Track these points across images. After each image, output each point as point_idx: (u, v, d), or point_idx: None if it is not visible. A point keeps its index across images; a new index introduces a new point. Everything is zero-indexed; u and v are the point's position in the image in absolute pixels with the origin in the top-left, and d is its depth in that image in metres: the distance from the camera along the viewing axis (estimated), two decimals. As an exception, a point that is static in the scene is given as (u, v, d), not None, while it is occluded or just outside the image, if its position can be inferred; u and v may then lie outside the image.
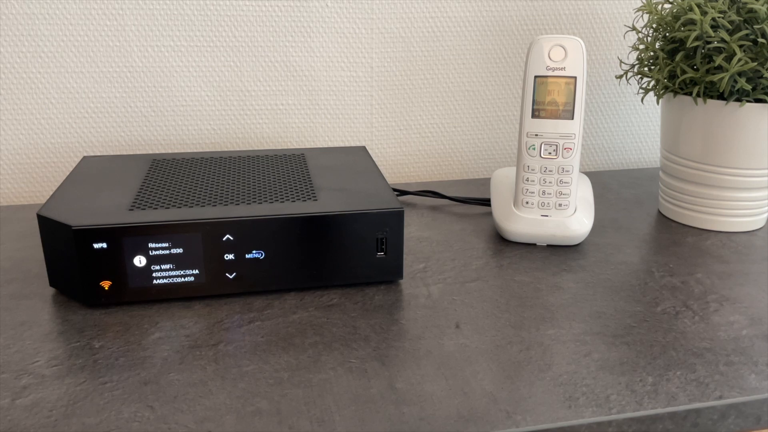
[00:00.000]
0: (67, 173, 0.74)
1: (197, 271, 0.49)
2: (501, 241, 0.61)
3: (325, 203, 0.51)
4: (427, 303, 0.50)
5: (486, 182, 0.79)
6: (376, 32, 0.76)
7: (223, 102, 0.75)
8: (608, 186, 0.78)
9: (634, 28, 0.68)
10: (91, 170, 0.59)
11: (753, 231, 0.64)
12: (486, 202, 0.70)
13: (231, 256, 0.49)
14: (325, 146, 0.80)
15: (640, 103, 0.88)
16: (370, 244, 0.51)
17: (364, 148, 0.68)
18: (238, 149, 0.73)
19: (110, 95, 0.72)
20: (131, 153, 0.70)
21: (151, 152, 0.75)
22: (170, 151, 0.73)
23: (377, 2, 0.75)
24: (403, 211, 0.51)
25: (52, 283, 0.50)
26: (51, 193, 0.74)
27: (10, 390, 0.39)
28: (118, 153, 0.75)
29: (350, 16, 0.75)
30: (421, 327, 0.47)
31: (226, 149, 0.77)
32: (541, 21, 0.80)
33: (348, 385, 0.40)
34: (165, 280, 0.49)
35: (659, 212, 0.69)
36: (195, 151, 0.72)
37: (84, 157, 0.63)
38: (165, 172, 0.58)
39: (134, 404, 0.38)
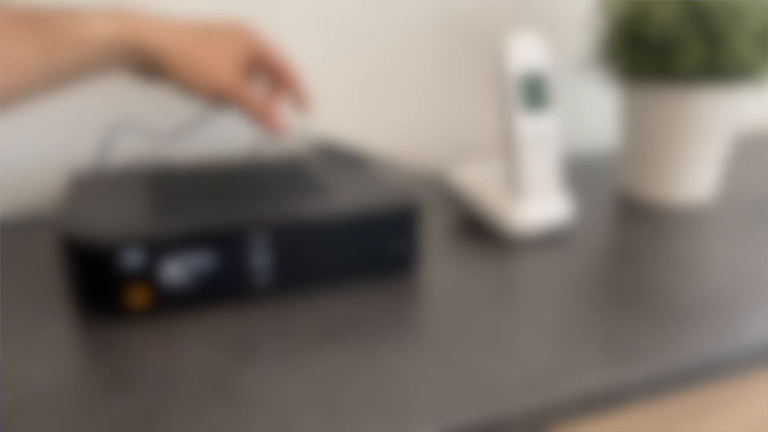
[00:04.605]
0: (66, 180, 0.72)
1: (221, 279, 0.48)
2: (495, 238, 0.63)
3: (333, 202, 0.51)
4: (436, 300, 0.51)
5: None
6: (361, 26, 0.77)
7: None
8: (581, 173, 0.82)
9: (594, 22, 0.71)
10: (100, 181, 0.58)
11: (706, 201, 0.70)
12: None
13: (252, 260, 0.49)
14: (326, 146, 0.80)
15: (604, 93, 0.92)
16: (381, 240, 0.51)
17: (367, 148, 0.67)
18: (237, 150, 0.72)
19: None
20: (131, 162, 0.69)
21: (152, 159, 0.74)
22: (172, 156, 0.73)
23: None
24: (417, 206, 0.51)
25: (77, 296, 0.47)
26: (53, 202, 0.72)
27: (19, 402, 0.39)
28: (118, 162, 0.73)
29: (339, 13, 0.75)
30: (431, 323, 0.47)
31: (226, 150, 0.77)
32: (508, 17, 0.83)
33: (356, 381, 0.41)
34: (185, 291, 0.48)
35: (626, 193, 0.74)
36: (197, 155, 0.71)
37: (84, 168, 0.61)
38: (171, 180, 0.57)
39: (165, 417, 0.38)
